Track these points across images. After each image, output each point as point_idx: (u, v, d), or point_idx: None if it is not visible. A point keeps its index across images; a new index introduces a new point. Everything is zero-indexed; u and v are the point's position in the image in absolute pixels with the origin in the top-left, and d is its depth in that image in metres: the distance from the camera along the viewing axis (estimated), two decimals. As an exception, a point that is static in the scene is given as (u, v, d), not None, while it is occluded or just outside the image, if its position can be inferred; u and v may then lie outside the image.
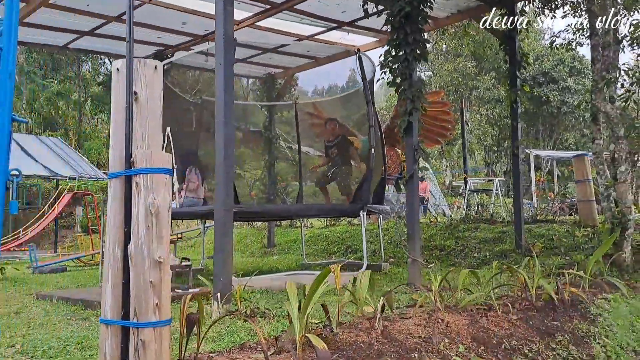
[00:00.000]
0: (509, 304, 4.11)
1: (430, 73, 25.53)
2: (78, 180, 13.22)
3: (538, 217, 7.77)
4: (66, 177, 13.16)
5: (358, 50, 6.04)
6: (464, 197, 11.35)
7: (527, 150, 24.67)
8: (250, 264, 8.39)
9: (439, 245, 7.74)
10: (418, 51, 5.13)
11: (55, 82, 22.08)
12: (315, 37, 8.02)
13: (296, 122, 8.21)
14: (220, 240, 3.48)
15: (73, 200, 12.43)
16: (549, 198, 10.69)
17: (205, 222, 8.24)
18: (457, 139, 23.30)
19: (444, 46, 24.22)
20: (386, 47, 5.36)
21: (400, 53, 5.19)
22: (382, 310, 3.39)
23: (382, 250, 7.37)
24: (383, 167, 7.23)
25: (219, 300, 3.41)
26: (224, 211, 3.56)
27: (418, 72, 5.28)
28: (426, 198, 16.03)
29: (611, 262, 5.99)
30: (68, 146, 16.32)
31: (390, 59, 5.31)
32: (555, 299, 4.34)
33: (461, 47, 22.74)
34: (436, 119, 15.63)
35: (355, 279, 5.69)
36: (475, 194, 10.96)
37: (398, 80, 5.27)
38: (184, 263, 5.15)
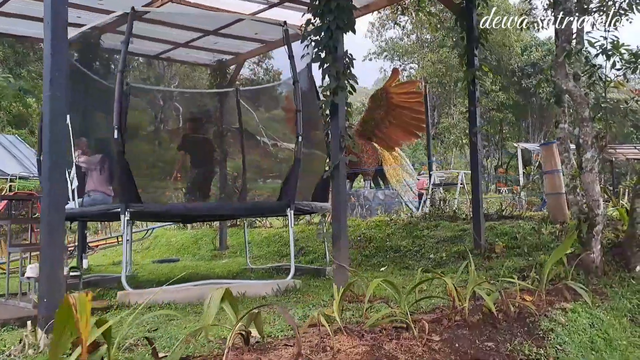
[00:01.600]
0: (436, 321, 3.35)
1: (415, 65, 24.79)
2: (21, 179, 12.41)
3: (504, 213, 7.01)
4: (13, 176, 12.34)
5: (284, 23, 5.26)
6: (428, 192, 10.59)
7: (515, 144, 24.00)
8: (192, 269, 7.62)
9: (394, 246, 6.97)
10: (344, 20, 4.35)
11: (16, 78, 21.19)
12: (256, 15, 7.22)
13: (238, 111, 7.42)
14: (48, 251, 2.70)
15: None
16: (514, 192, 9.95)
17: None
18: (441, 132, 22.60)
19: (428, 36, 23.49)
20: (308, 15, 4.59)
21: (323, 22, 4.41)
22: (247, 340, 2.62)
23: (327, 252, 6.59)
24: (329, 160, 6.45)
25: (43, 327, 2.64)
26: (50, 212, 2.77)
27: (344, 47, 4.49)
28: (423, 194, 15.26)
29: (578, 263, 5.25)
30: (26, 145, 15.48)
31: (312, 29, 4.53)
32: (496, 312, 3.57)
33: (447, 38, 22.03)
34: (412, 111, 14.94)
35: (280, 287, 4.95)
36: (439, 188, 10.18)
37: (322, 55, 4.49)
38: (72, 273, 4.38)
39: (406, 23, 24.44)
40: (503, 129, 26.67)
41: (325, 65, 4.43)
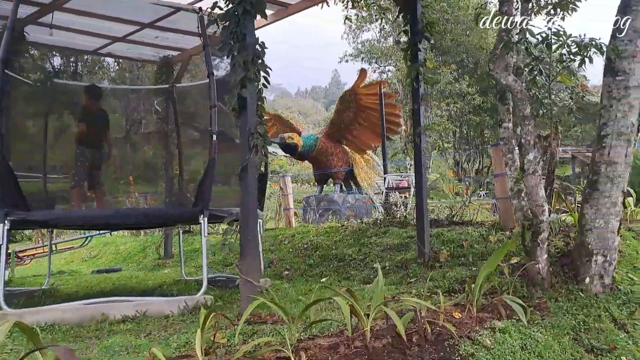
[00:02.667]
0: (332, 348, 2.86)
1: (392, 68, 24.40)
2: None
3: (454, 218, 6.56)
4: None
5: (200, 10, 4.78)
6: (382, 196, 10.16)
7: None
8: (125, 280, 7.08)
9: (339, 254, 6.49)
10: (251, 2, 3.87)
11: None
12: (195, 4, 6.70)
13: (174, 110, 6.90)
14: None
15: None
16: (464, 196, 9.55)
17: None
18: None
19: (405, 38, 23.19)
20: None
21: (229, 7, 3.94)
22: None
23: (262, 262, 6.09)
24: (264, 163, 5.95)
25: None
26: None
27: (255, 34, 4.01)
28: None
29: (523, 274, 4.81)
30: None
31: (219, 14, 4.05)
32: (407, 335, 3.10)
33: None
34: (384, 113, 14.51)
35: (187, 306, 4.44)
36: (394, 192, 9.75)
37: (230, 43, 4.01)
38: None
39: (383, 25, 24.13)
40: (484, 133, 26.38)
41: (233, 54, 3.95)
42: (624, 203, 4.60)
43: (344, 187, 14.92)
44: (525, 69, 4.54)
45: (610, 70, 4.52)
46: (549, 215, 5.64)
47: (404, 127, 24.25)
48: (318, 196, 14.54)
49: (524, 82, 4.56)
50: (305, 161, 16.30)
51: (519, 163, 4.77)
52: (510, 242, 4.29)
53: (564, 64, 4.35)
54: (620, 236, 5.97)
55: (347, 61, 24.48)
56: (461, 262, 5.33)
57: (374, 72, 24.50)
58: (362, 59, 24.07)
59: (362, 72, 13.45)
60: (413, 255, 5.75)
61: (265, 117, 13.35)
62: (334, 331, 3.28)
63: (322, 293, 4.67)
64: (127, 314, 4.10)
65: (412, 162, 6.01)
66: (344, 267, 6.19)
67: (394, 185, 10.72)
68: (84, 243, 9.29)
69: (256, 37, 4.01)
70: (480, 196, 14.80)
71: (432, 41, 5.82)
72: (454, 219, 6.54)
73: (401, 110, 15.63)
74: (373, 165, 15.85)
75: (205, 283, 4.47)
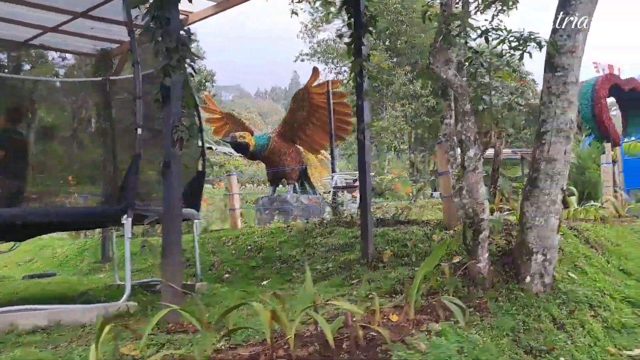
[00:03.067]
0: (251, 359, 2.62)
1: (346, 68, 24.37)
2: None
3: (400, 218, 6.45)
4: None
5: (123, -5, 4.45)
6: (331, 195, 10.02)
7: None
8: (55, 285, 6.62)
9: (283, 256, 6.26)
10: (175, -15, 3.59)
11: None
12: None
13: (109, 104, 6.50)
14: None
15: None
16: (409, 195, 9.53)
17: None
18: (373, 136, 22.24)
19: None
20: (136, -18, 3.79)
21: (152, -11, 3.64)
22: None
23: (198, 265, 5.80)
24: (202, 159, 5.66)
25: None
26: None
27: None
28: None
29: (465, 274, 4.72)
30: None
31: (141, -3, 3.74)
32: (335, 341, 2.90)
33: (378, 40, 21.77)
34: (336, 112, 14.36)
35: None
36: (342, 191, 9.64)
37: (153, 28, 3.71)
38: None
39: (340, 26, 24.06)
40: (425, 134, 26.74)
41: (156, 40, 3.66)
42: (564, 201, 4.56)
43: (297, 187, 14.70)
44: (466, 63, 4.44)
45: (550, 66, 4.48)
46: (492, 214, 5.60)
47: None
48: (271, 197, 14.27)
49: (464, 77, 4.46)
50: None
51: (459, 159, 4.68)
52: (450, 241, 4.16)
53: (503, 58, 4.25)
54: (562, 235, 6.00)
55: (302, 60, 24.32)
56: (404, 262, 5.20)
57: (330, 72, 24.45)
58: (319, 58, 23.96)
59: (315, 71, 13.27)
60: (357, 255, 5.58)
61: (217, 116, 13.02)
62: (259, 339, 3.04)
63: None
64: (38, 323, 3.73)
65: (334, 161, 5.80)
66: (287, 269, 5.96)
67: (343, 184, 10.55)
68: (13, 247, 8.69)
69: (182, 23, 3.73)
70: (432, 196, 14.87)
71: (373, 35, 5.67)
72: (400, 218, 6.43)
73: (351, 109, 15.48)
74: (327, 165, 15.69)
75: (128, 288, 4.14)
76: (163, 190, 3.59)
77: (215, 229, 8.44)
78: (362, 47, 5.53)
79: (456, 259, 4.89)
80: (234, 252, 6.85)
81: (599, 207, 7.80)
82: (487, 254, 4.56)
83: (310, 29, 23.50)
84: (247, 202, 16.56)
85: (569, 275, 4.99)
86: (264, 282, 5.71)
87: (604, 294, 4.93)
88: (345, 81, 21.28)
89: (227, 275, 6.28)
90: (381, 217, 6.64)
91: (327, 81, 13.05)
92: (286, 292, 5.13)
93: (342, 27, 5.58)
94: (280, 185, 15.51)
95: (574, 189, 7.43)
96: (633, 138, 11.42)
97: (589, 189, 8.37)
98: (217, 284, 6.02)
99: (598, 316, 4.53)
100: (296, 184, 14.67)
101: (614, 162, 9.89)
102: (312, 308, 2.86)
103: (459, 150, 4.70)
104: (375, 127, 22.04)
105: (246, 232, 7.43)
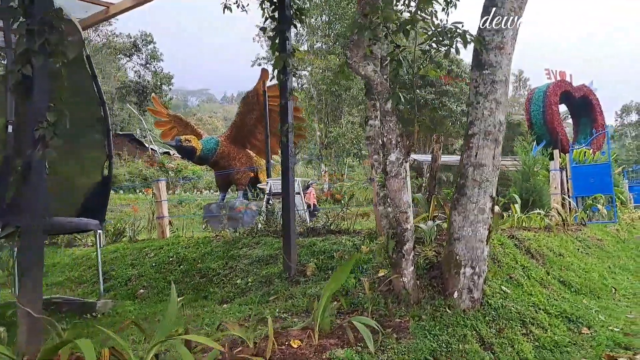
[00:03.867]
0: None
1: (305, 72, 24.01)
2: None
3: (331, 227, 6.03)
4: None
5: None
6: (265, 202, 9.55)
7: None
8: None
9: (203, 269, 5.73)
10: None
11: None
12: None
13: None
14: None
15: None
16: (342, 202, 9.19)
17: None
18: (331, 142, 21.85)
19: (319, 44, 22.95)
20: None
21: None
22: None
23: (101, 281, 5.23)
24: (107, 163, 5.08)
25: None
26: None
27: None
28: (311, 205, 14.16)
29: (389, 289, 4.32)
30: None
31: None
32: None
33: (336, 45, 21.42)
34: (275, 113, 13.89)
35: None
36: (277, 198, 9.16)
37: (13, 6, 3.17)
38: None
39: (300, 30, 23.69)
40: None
41: (20, 20, 3.12)
42: (493, 209, 4.21)
43: (248, 193, 14.17)
44: (388, 58, 4.06)
45: (477, 63, 4.14)
46: (426, 222, 5.23)
47: (318, 133, 23.94)
48: (219, 203, 13.67)
49: (386, 74, 4.08)
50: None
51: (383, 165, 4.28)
52: (347, 262, 3.74)
53: (427, 54, 3.89)
54: (501, 244, 5.67)
55: (259, 64, 23.78)
56: (328, 276, 4.75)
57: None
58: (276, 62, 23.46)
59: (264, 73, 12.79)
60: (280, 268, 5.11)
61: (164, 119, 12.29)
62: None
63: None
64: None
65: (325, 168, 5.37)
66: (205, 284, 5.45)
67: (279, 191, 10.05)
68: None
69: (50, 2, 3.21)
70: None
71: (298, 28, 5.24)
72: (331, 226, 6.00)
73: (314, 114, 15.10)
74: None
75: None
76: (24, 197, 3.05)
77: (142, 238, 7.84)
78: (286, 41, 5.09)
79: (382, 273, 4.49)
80: (154, 264, 6.27)
81: (544, 215, 7.57)
82: (412, 267, 4.17)
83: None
84: (201, 208, 15.92)
85: (501, 290, 4.65)
86: (179, 299, 5.18)
87: (539, 309, 4.61)
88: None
89: (142, 290, 5.71)
90: (312, 226, 6.20)
91: (263, 81, 12.56)
92: (195, 311, 4.63)
93: (266, 20, 5.12)
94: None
95: (516, 195, 7.17)
96: (583, 145, 11.41)
97: (534, 196, 8.16)
98: (129, 301, 5.46)
99: (530, 334, 4.19)
100: (248, 190, 14.15)
101: (562, 169, 9.76)
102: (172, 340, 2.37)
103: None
104: (332, 132, 21.64)
105: (171, 243, 6.87)
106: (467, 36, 3.82)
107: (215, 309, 4.59)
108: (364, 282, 4.11)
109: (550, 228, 7.55)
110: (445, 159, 25.14)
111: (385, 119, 3.96)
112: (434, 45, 3.99)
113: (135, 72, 26.80)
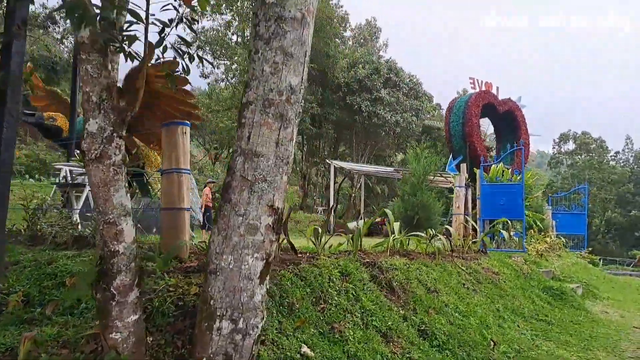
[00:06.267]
0: None
1: (228, 62, 22.25)
2: None
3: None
4: None
5: None
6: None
7: (328, 161, 22.39)
8: None
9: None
10: None
11: None
12: None
13: None
14: None
15: None
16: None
17: None
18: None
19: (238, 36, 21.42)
20: None
21: None
22: None
23: None
24: None
25: None
26: None
27: None
28: (203, 206, 12.26)
29: (98, 349, 2.64)
30: None
31: None
32: None
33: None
34: (178, 101, 12.07)
35: None
36: (72, 190, 7.39)
37: None
38: None
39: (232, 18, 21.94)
40: (320, 145, 25.14)
41: None
42: (276, 229, 2.62)
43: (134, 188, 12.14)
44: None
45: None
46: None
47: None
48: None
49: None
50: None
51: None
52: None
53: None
54: (349, 276, 4.01)
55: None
56: (41, 313, 3.02)
57: (218, 67, 22.18)
58: (199, 46, 21.51)
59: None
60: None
61: (40, 94, 9.97)
62: None
63: None
64: None
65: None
66: None
67: (79, 181, 8.14)
68: None
69: None
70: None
71: None
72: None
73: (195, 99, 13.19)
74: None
75: None
76: None
77: None
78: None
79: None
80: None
81: (430, 238, 6.14)
82: (133, 317, 2.52)
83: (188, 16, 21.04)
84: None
85: (300, 353, 3.06)
86: None
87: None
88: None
89: None
90: (79, 233, 4.47)
91: (169, 62, 10.65)
92: None
93: None
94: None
95: (388, 212, 5.68)
96: (496, 162, 10.23)
97: (420, 214, 6.73)
98: None
99: None
100: (130, 184, 12.14)
101: (468, 186, 8.45)
102: None
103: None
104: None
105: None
106: None
107: None
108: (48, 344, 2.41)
109: (437, 254, 6.14)
110: (370, 168, 23.82)
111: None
112: None
113: (47, 46, 24.06)
